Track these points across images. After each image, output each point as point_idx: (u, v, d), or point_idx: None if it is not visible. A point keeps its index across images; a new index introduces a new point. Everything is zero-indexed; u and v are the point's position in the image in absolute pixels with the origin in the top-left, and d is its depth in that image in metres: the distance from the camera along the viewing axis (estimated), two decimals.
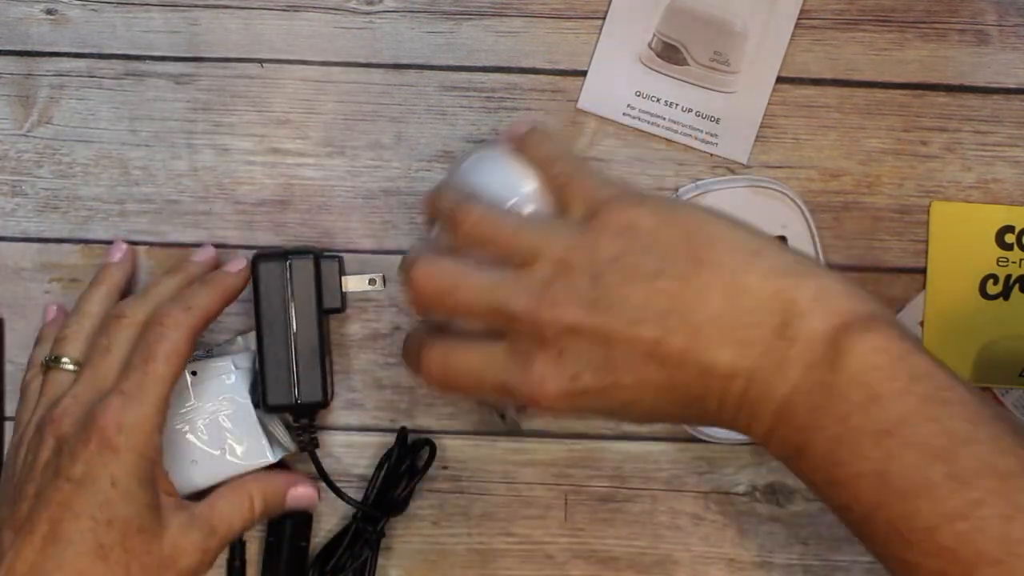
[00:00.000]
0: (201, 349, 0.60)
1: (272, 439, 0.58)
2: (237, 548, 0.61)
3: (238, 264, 0.58)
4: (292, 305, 0.57)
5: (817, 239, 0.61)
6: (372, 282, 0.59)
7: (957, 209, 0.62)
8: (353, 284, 0.59)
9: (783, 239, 0.61)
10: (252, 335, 0.60)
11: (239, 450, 0.58)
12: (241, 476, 0.57)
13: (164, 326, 0.53)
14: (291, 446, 0.59)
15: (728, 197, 0.61)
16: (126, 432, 0.51)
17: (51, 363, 0.55)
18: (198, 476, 0.57)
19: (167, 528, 0.52)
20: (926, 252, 0.62)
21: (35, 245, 0.61)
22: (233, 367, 0.58)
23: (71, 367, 0.55)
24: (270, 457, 0.58)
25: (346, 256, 0.60)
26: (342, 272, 0.59)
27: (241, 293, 0.57)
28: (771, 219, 0.61)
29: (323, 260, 0.58)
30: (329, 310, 0.59)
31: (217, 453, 0.58)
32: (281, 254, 0.58)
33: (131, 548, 0.50)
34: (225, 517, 0.54)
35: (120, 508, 0.50)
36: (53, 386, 0.55)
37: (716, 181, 0.61)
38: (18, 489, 0.52)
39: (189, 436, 0.57)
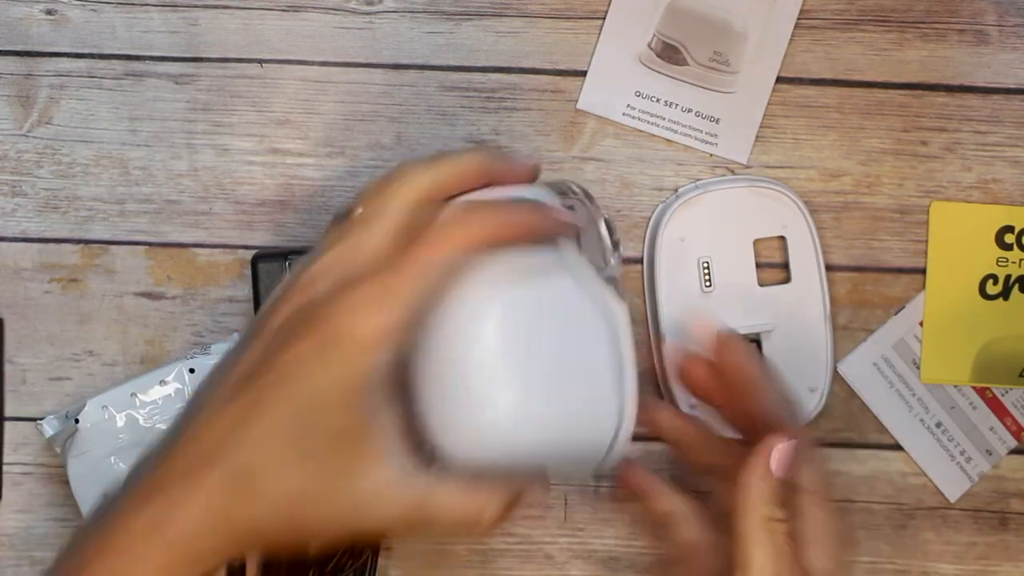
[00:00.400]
0: (198, 346, 0.60)
1: None
2: None
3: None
4: None
5: (817, 239, 0.61)
6: None
7: (957, 209, 0.62)
8: None
9: (783, 239, 0.61)
10: None
11: None
12: None
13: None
14: None
15: (728, 197, 0.61)
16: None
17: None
18: None
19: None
20: (926, 252, 0.62)
21: (35, 245, 0.61)
22: None
23: None
24: None
25: None
26: None
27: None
28: (771, 219, 0.61)
29: None
30: None
31: None
32: (281, 254, 0.58)
33: None
34: None
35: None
36: None
37: (716, 181, 0.61)
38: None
39: None
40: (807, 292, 0.61)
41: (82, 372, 0.61)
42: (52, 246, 0.61)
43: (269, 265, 0.58)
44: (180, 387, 0.58)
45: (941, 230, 0.61)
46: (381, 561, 0.61)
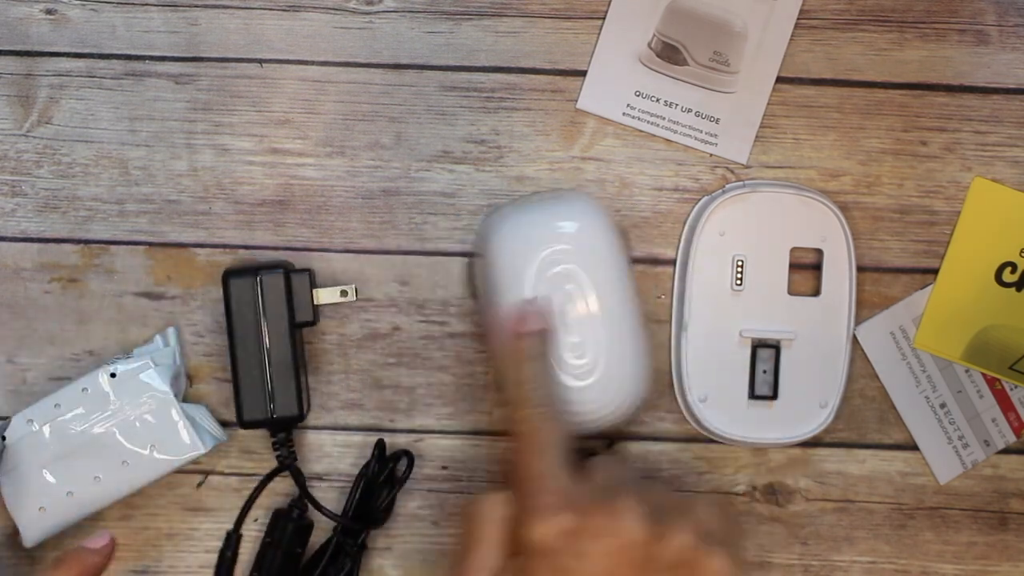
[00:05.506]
0: (120, 351, 0.60)
1: (201, 430, 0.58)
2: (232, 539, 0.61)
3: (101, 540, 0.59)
4: (264, 321, 0.58)
5: (854, 259, 0.60)
6: (344, 293, 0.60)
7: (997, 190, 0.61)
8: (325, 296, 0.59)
9: (820, 252, 0.61)
10: (171, 332, 0.60)
11: (168, 446, 0.57)
12: None
13: None
14: (222, 435, 0.59)
15: (773, 200, 0.60)
16: None
17: None
18: (130, 478, 0.58)
19: None
20: (926, 251, 0.62)
21: (35, 245, 0.61)
22: (152, 364, 0.58)
23: None
24: (201, 448, 0.58)
25: (346, 256, 0.61)
26: (313, 285, 0.59)
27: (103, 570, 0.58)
28: (811, 230, 0.60)
29: (293, 274, 0.58)
30: (301, 324, 0.59)
31: (146, 452, 0.57)
32: (251, 269, 0.58)
33: None
34: None
35: None
36: None
37: (764, 183, 0.61)
38: None
39: (117, 438, 0.57)
40: (834, 308, 0.61)
41: (82, 372, 0.61)
42: (52, 246, 0.61)
43: (240, 281, 0.58)
44: (106, 392, 0.58)
45: (976, 206, 0.61)
46: (381, 561, 0.61)
